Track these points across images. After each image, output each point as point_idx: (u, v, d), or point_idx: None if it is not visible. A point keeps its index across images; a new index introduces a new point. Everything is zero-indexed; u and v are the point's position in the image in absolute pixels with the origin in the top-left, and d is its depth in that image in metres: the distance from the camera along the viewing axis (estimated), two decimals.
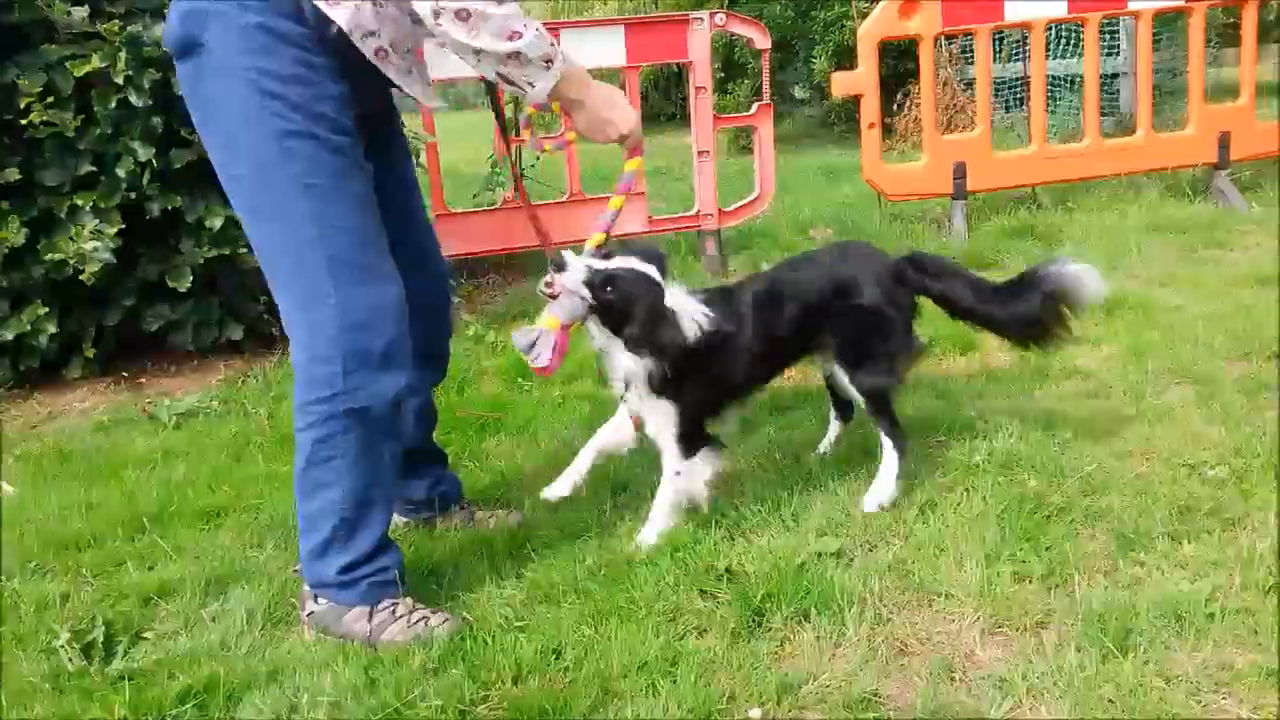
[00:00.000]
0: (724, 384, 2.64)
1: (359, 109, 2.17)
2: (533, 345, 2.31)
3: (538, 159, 6.35)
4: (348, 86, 2.12)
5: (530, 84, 2.11)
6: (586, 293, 2.37)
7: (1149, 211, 5.67)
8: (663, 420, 2.56)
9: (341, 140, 2.10)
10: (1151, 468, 2.74)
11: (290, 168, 2.06)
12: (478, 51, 2.05)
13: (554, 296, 2.36)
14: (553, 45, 2.10)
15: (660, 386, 2.51)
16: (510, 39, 2.04)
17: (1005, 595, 2.18)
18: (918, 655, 2.06)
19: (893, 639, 2.10)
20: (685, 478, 2.59)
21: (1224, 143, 5.81)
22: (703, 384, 2.56)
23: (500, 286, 5.56)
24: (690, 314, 2.47)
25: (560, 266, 2.35)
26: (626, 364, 2.48)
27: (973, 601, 2.18)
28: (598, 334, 2.48)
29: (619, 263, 2.43)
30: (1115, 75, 8.45)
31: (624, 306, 2.40)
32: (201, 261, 4.16)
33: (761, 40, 5.45)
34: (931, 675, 1.98)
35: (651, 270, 2.44)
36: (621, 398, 2.62)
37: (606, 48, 5.19)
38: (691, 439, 2.59)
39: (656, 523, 2.57)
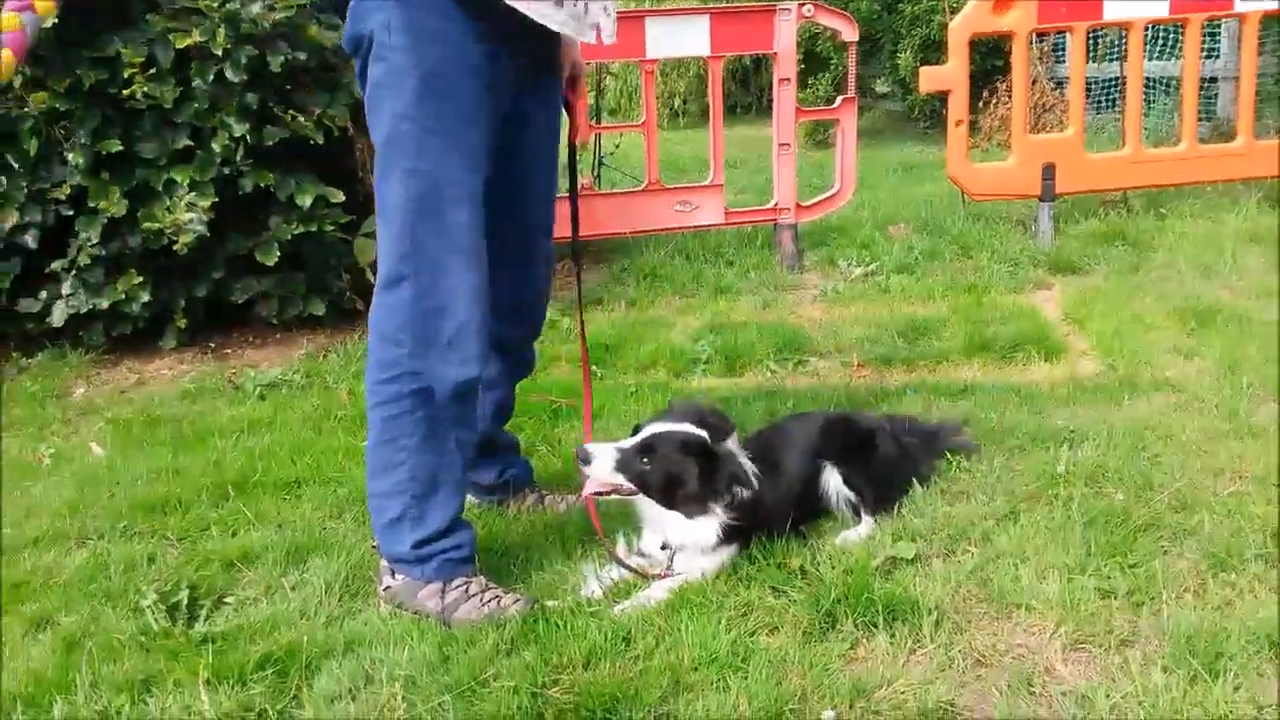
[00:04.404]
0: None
1: (509, 71, 2.18)
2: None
3: (616, 147, 6.35)
4: (494, 47, 2.12)
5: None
6: (621, 479, 2.26)
7: (1246, 221, 5.46)
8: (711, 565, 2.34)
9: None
10: (1244, 487, 2.65)
11: (395, 151, 2.12)
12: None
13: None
14: None
15: (727, 537, 2.30)
16: None
17: (1089, 610, 2.13)
18: (995, 667, 2.02)
19: (970, 649, 2.06)
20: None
21: None
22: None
23: (574, 272, 5.55)
24: (745, 465, 2.32)
25: (586, 460, 2.25)
26: (686, 534, 2.29)
27: (1054, 615, 2.12)
28: (649, 511, 2.34)
29: (649, 430, 2.30)
30: (1213, 79, 8.14)
31: (668, 468, 2.25)
32: (289, 238, 4.24)
33: (849, 33, 5.35)
34: (1010, 688, 1.94)
35: (687, 427, 2.29)
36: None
37: (691, 36, 5.14)
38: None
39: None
